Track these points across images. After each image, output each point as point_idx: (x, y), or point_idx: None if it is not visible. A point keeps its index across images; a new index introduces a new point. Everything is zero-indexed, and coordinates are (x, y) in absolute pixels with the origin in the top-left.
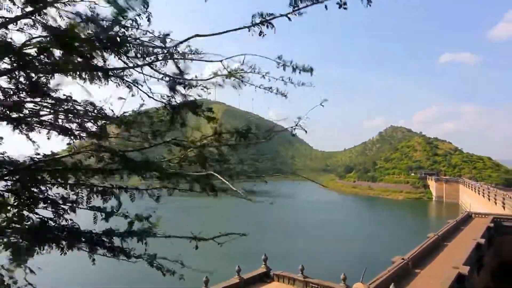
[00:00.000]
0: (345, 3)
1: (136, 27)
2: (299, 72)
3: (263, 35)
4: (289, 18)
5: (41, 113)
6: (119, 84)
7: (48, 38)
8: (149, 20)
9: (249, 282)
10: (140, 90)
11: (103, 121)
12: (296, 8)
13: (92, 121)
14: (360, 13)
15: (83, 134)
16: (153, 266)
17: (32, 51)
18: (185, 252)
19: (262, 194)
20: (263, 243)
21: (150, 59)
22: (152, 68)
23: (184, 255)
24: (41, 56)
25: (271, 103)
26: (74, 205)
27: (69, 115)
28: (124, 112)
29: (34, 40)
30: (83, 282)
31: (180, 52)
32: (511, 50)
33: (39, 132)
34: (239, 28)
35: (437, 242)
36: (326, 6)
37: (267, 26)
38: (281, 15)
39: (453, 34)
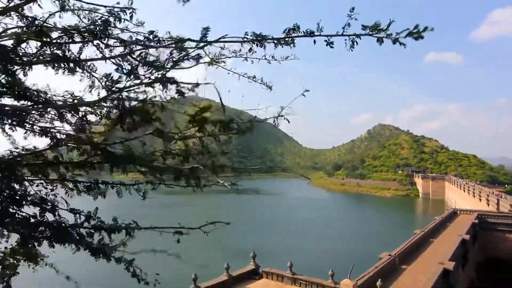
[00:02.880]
0: (331, 42)
1: (118, 19)
2: (282, 46)
3: (253, 52)
4: (281, 44)
5: (20, 106)
6: (90, 76)
7: (24, 29)
8: (131, 17)
9: (238, 279)
10: (108, 76)
11: (83, 110)
12: (288, 36)
13: (72, 111)
14: (344, 11)
15: (64, 128)
16: (129, 271)
17: (8, 42)
18: (173, 250)
19: (250, 191)
20: (252, 240)
21: (129, 48)
22: (132, 57)
23: (173, 253)
24: (18, 47)
25: (260, 100)
26: (55, 205)
27: (48, 107)
28: (104, 97)
29: (9, 31)
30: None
31: (160, 39)
32: (493, 50)
33: (18, 129)
34: (231, 41)
35: (424, 238)
36: (314, 41)
37: (257, 45)
38: (273, 39)
39: (439, 34)
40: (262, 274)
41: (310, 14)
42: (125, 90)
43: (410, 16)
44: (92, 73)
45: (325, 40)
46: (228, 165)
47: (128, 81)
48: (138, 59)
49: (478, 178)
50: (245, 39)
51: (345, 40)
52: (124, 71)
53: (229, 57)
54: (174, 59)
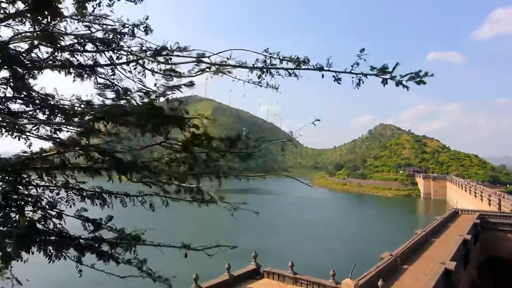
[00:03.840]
0: (339, 78)
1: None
2: (287, 63)
3: (262, 79)
4: (289, 74)
5: (28, 109)
6: (106, 87)
7: (36, 34)
8: (146, 32)
9: (239, 279)
10: (130, 96)
11: (91, 115)
12: (297, 68)
13: (79, 116)
14: (348, 13)
15: (71, 131)
16: (142, 271)
17: (19, 46)
18: (175, 251)
19: (253, 192)
20: (253, 240)
21: (138, 56)
22: (139, 65)
23: (174, 253)
24: (29, 51)
25: (262, 100)
26: (61, 211)
27: (56, 110)
28: (112, 104)
29: (20, 36)
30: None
31: (169, 48)
32: (494, 49)
33: (24, 134)
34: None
35: (425, 238)
36: (322, 75)
37: (265, 73)
38: (284, 68)
39: (441, 35)
40: (263, 274)
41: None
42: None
43: (412, 16)
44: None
45: (333, 76)
46: (232, 173)
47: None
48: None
49: (480, 178)
50: (255, 66)
51: (352, 78)
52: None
53: (235, 67)
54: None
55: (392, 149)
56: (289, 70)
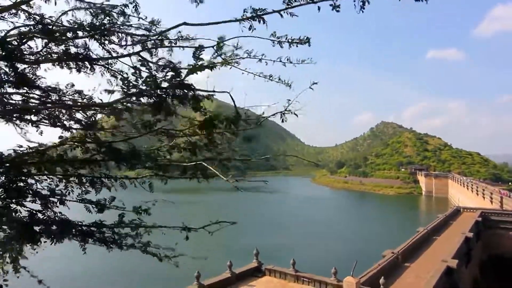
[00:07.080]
0: (338, 6)
1: (123, 15)
2: (296, 46)
3: (253, 30)
4: (281, 15)
5: (29, 104)
6: (103, 73)
7: (32, 27)
8: (136, 9)
9: (241, 277)
10: (125, 79)
11: (92, 110)
12: (289, 6)
13: (80, 110)
14: (348, 10)
15: (74, 125)
16: (147, 253)
17: (16, 40)
18: (176, 248)
19: (253, 189)
20: (254, 237)
21: (138, 47)
22: (141, 57)
23: (175, 251)
24: (25, 45)
25: (263, 98)
26: (63, 197)
27: (57, 105)
28: (114, 101)
29: (16, 30)
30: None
31: (170, 39)
32: (495, 46)
33: (26, 125)
34: (229, 21)
35: (427, 236)
36: (319, 8)
37: (259, 21)
38: (274, 11)
39: (440, 32)
40: (265, 271)
41: None
42: (142, 94)
43: (410, 14)
44: (107, 72)
45: (331, 4)
46: (233, 158)
47: (145, 85)
48: (157, 63)
49: (482, 176)
50: (244, 17)
51: (354, 1)
52: (142, 74)
53: (243, 58)
54: (191, 65)
55: (394, 147)
56: (281, 12)
